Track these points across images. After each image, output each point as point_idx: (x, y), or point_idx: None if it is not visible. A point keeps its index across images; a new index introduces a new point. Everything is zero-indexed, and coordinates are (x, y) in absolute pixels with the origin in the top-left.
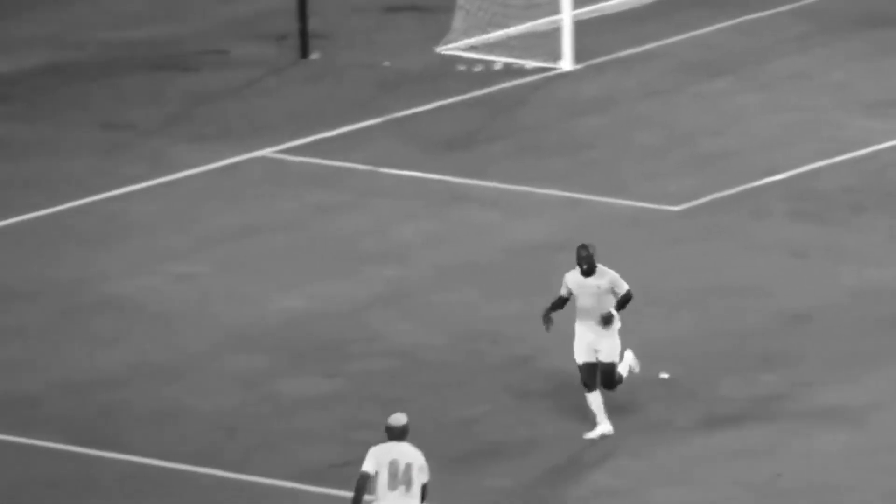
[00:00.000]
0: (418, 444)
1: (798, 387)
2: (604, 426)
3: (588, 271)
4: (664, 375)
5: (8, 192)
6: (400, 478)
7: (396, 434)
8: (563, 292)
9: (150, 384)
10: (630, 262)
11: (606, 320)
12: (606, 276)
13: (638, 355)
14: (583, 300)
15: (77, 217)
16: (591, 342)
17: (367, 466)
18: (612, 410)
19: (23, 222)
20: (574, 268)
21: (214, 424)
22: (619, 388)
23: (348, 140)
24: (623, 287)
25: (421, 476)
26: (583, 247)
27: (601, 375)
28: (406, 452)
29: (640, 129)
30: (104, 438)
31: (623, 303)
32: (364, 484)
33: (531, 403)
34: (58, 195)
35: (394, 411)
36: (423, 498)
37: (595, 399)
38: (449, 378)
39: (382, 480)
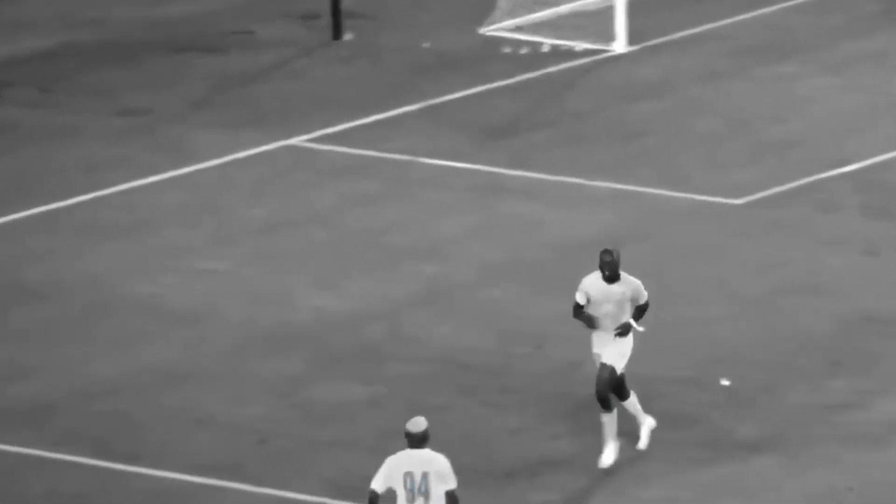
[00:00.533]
0: (457, 455)
1: (869, 395)
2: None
3: (612, 277)
4: (725, 382)
5: (18, 183)
6: (416, 491)
7: (416, 441)
8: (581, 299)
9: (169, 390)
10: (687, 259)
11: (625, 331)
12: (631, 285)
13: (699, 359)
14: (605, 307)
15: (91, 210)
16: (600, 349)
17: (377, 483)
18: (671, 420)
19: (34, 215)
20: (592, 272)
21: (241, 434)
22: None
23: (384, 127)
24: (644, 296)
25: (441, 484)
26: (607, 252)
27: (598, 375)
28: (424, 461)
29: (698, 115)
30: (124, 451)
31: (641, 312)
32: (375, 501)
33: (579, 412)
34: (71, 186)
35: (428, 418)
36: None
37: (630, 403)
38: (491, 384)
39: (400, 496)
